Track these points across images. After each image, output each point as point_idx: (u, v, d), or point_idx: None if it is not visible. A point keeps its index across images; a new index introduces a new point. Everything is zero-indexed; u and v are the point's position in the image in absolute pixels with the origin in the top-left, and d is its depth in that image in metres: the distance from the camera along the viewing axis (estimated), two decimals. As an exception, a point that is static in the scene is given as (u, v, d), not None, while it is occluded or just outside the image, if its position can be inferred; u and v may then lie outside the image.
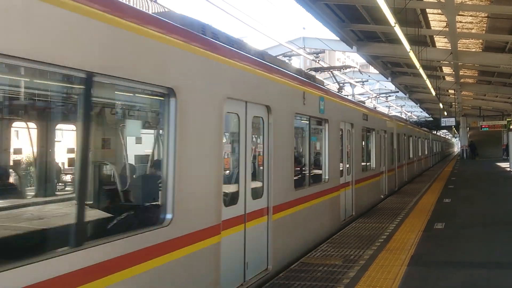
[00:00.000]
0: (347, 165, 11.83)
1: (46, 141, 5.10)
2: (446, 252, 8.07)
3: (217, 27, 6.34)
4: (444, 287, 6.20)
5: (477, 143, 47.96)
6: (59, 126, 5.27)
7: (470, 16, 15.68)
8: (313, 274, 6.73)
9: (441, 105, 33.78)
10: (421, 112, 53.13)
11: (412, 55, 15.05)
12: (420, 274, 6.70)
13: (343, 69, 17.78)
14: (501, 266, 7.15)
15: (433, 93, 25.34)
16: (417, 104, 45.15)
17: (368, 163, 14.26)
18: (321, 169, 9.94)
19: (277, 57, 10.26)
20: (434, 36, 18.54)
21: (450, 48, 18.55)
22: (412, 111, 52.56)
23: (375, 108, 25.95)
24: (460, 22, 16.00)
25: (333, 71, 15.46)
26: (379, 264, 7.20)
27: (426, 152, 33.52)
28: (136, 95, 5.02)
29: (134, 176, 5.51)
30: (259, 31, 15.68)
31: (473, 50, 20.25)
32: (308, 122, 9.10)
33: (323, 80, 13.75)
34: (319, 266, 7.12)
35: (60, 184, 5.46)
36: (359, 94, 29.93)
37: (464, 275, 6.67)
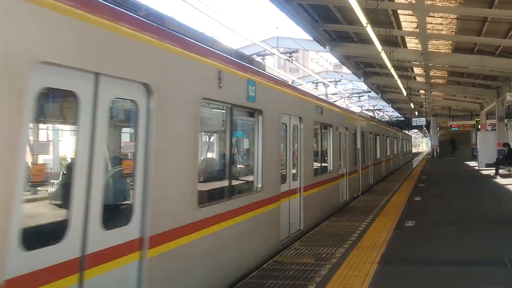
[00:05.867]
0: (294, 169, 9.74)
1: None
2: (416, 250, 8.19)
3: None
4: (414, 283, 6.29)
5: (447, 143, 49.10)
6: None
7: (440, 17, 15.94)
8: (285, 272, 6.73)
9: (412, 105, 34.33)
10: (393, 112, 53.95)
11: (383, 55, 15.23)
12: (391, 271, 6.78)
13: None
14: (470, 263, 7.29)
15: (405, 93, 25.73)
16: (389, 104, 45.79)
17: None
18: (251, 175, 7.82)
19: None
20: (405, 37, 18.80)
21: (421, 49, 18.84)
22: (384, 111, 53.31)
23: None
24: (431, 23, 16.27)
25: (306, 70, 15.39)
26: (350, 262, 7.26)
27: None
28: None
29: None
30: (233, 30, 15.58)
31: (443, 51, 20.62)
32: (229, 112, 6.89)
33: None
34: (291, 265, 7.13)
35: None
36: (332, 94, 30.14)
37: (433, 271, 6.77)
